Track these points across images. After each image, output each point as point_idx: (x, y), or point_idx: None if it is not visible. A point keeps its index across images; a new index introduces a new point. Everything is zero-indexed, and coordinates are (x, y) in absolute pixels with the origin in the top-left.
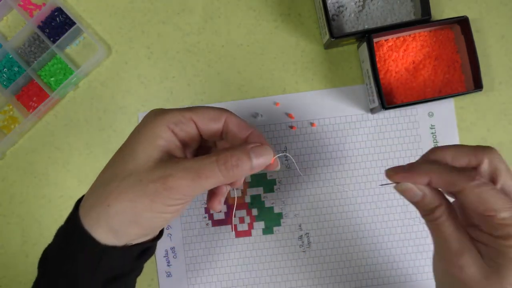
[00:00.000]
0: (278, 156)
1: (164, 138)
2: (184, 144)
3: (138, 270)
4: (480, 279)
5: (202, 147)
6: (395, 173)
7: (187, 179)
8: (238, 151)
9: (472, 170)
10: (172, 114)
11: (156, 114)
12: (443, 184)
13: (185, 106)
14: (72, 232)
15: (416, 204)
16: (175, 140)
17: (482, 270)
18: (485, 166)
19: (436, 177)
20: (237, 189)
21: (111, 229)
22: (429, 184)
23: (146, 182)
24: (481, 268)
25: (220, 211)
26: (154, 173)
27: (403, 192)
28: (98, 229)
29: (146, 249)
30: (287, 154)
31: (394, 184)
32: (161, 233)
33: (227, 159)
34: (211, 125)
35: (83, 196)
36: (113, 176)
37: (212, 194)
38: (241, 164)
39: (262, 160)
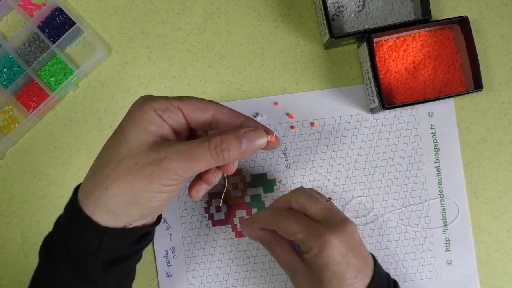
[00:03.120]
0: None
1: (154, 123)
2: (175, 132)
3: (138, 255)
4: (311, 281)
5: (193, 136)
6: (243, 225)
7: (181, 161)
8: (229, 135)
9: (281, 210)
10: (160, 102)
11: (144, 101)
12: (268, 226)
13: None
14: (73, 216)
15: (259, 242)
16: (165, 125)
17: (311, 282)
18: (295, 205)
19: (262, 223)
20: (229, 177)
21: (110, 211)
22: (262, 228)
23: (142, 164)
24: (310, 282)
25: (197, 199)
26: (149, 155)
27: (249, 237)
28: (98, 212)
29: (145, 234)
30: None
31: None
32: (159, 219)
33: (218, 144)
34: (198, 114)
35: (80, 184)
36: (109, 160)
37: (197, 180)
38: (231, 148)
39: (254, 144)
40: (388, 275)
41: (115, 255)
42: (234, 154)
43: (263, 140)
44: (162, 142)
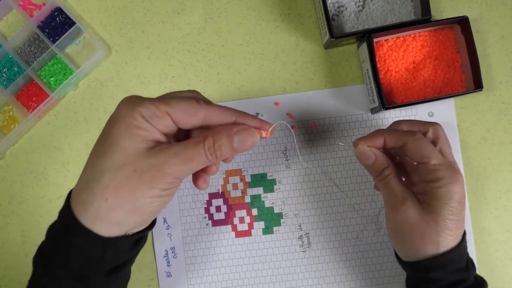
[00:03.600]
0: (270, 126)
1: (144, 128)
2: (163, 133)
3: (133, 259)
4: (419, 219)
5: (183, 131)
6: (359, 140)
7: (180, 164)
8: (221, 135)
9: (415, 132)
10: (146, 107)
11: (131, 105)
12: (393, 141)
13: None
14: (70, 229)
15: (371, 167)
16: (154, 129)
17: (420, 212)
18: (429, 134)
19: (388, 136)
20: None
21: (112, 222)
22: (383, 146)
23: (141, 171)
24: (419, 210)
25: (205, 189)
26: (147, 161)
27: (360, 155)
28: (98, 224)
29: (140, 238)
30: (283, 122)
31: (352, 147)
32: (154, 222)
33: (211, 145)
34: (187, 119)
35: (71, 191)
36: (104, 170)
37: (199, 172)
38: (223, 148)
39: (246, 143)
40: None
41: (116, 262)
42: (227, 153)
43: (255, 139)
44: (155, 146)
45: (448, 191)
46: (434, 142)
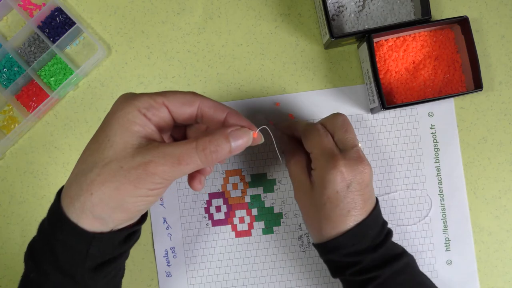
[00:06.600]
0: (260, 129)
1: (139, 123)
2: (159, 129)
3: (125, 254)
4: (307, 204)
5: (178, 126)
6: (280, 125)
7: (167, 165)
8: (217, 135)
9: (315, 125)
10: (143, 99)
11: (127, 100)
12: (298, 134)
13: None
14: (57, 223)
15: (283, 147)
16: (150, 124)
17: (309, 197)
18: (328, 126)
19: (294, 128)
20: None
21: (97, 217)
22: (293, 135)
23: (127, 169)
24: (309, 196)
25: (200, 190)
26: (135, 159)
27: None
28: (83, 218)
29: (131, 233)
30: (266, 127)
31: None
32: (144, 217)
33: (206, 146)
34: (184, 109)
35: (63, 187)
36: (93, 164)
37: (194, 173)
38: (220, 149)
39: (240, 142)
40: (385, 222)
41: (103, 258)
42: (223, 155)
43: (249, 139)
44: (147, 144)
45: (323, 179)
46: (332, 133)
